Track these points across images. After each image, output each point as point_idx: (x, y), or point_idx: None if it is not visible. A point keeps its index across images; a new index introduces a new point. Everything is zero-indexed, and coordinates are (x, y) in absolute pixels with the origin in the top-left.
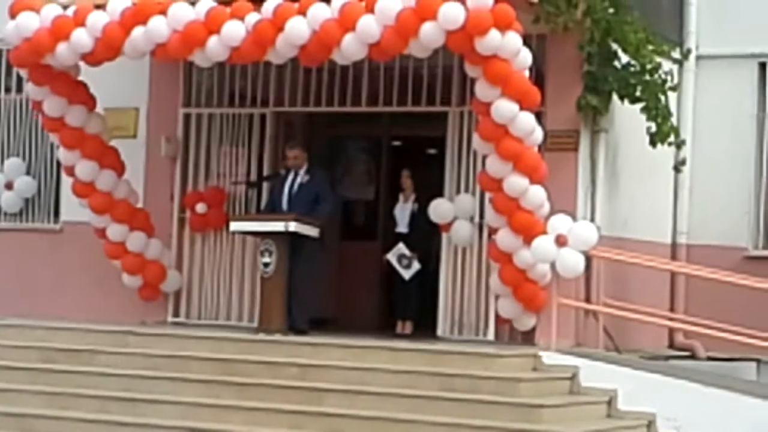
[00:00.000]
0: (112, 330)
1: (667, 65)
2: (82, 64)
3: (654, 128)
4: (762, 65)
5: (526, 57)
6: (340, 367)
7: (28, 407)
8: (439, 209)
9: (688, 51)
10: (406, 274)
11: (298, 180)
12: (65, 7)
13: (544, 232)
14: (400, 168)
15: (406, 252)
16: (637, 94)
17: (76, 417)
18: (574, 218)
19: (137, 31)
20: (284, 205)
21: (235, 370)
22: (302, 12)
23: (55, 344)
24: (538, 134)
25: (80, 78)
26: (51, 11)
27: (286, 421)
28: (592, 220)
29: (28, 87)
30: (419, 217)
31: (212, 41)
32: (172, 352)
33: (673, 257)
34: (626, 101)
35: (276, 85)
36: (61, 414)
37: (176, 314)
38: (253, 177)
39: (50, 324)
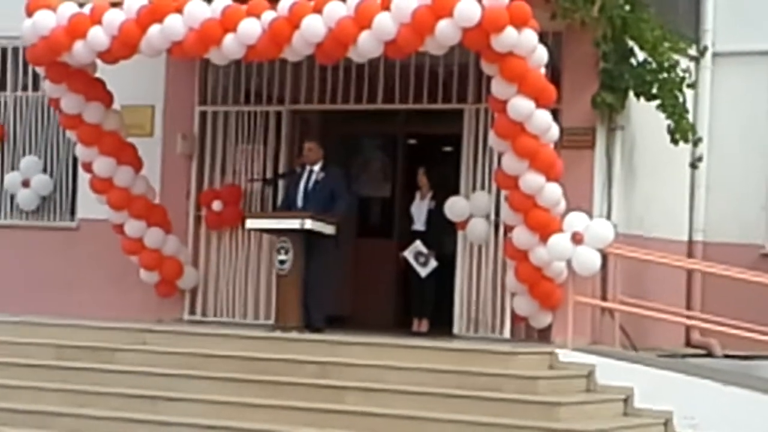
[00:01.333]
0: (130, 327)
1: (683, 62)
2: (98, 61)
3: (673, 126)
4: None
5: (542, 54)
6: (360, 364)
7: (46, 405)
8: (455, 207)
9: (705, 48)
10: (423, 272)
11: (314, 177)
12: (82, 5)
13: (561, 230)
14: (415, 165)
15: (423, 249)
16: (654, 91)
17: (95, 415)
18: (591, 216)
19: (153, 29)
20: (300, 202)
21: (255, 368)
22: (318, 10)
23: (73, 342)
24: (555, 131)
25: (97, 75)
26: (67, 9)
27: (307, 418)
28: (609, 217)
29: (45, 85)
30: (436, 214)
31: (228, 39)
32: (191, 349)
33: (690, 255)
34: (642, 99)
35: (292, 82)
36: (79, 412)
37: (192, 312)
38: (269, 174)
39: (68, 321)
